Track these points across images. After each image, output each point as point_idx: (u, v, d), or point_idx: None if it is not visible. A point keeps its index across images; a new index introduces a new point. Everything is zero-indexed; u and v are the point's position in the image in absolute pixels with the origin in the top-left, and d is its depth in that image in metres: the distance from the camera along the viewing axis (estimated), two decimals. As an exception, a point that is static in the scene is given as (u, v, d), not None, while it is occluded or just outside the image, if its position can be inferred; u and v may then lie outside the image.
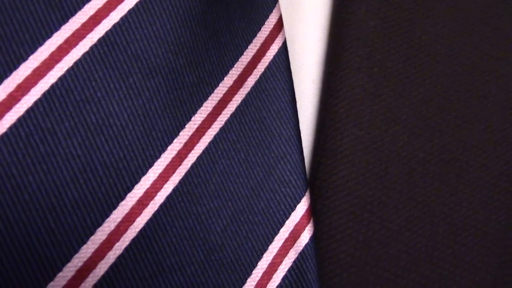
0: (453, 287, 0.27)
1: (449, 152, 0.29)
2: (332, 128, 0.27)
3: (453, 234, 0.28)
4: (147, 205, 0.23)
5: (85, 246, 0.22)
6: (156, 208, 0.23)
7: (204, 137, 0.24)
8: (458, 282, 0.27)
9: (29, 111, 0.21)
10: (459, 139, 0.29)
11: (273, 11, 0.27)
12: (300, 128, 0.28)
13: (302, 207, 0.25)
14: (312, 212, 0.26)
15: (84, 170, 0.22)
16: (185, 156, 0.24)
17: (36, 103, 0.21)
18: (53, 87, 0.22)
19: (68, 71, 0.22)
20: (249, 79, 0.26)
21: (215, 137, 0.25)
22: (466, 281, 0.27)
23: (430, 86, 0.29)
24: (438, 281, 0.27)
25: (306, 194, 0.26)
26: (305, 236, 0.25)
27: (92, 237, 0.22)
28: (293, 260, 0.25)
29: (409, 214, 0.27)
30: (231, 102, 0.25)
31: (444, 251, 0.27)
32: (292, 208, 0.25)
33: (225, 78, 0.25)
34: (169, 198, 0.23)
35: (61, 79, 0.22)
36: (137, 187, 0.23)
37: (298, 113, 0.28)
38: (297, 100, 0.28)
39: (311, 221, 0.26)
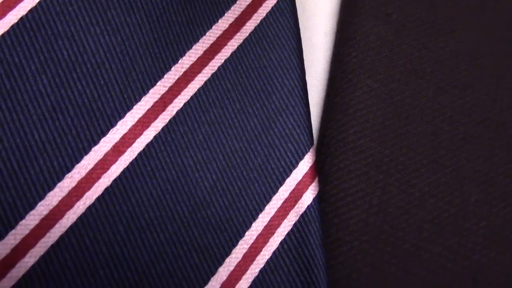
0: (487, 264, 0.23)
1: (482, 111, 0.25)
2: (344, 80, 0.24)
3: (487, 204, 0.24)
4: (123, 152, 0.20)
5: (51, 193, 0.19)
6: (134, 156, 0.20)
7: (193, 82, 0.22)
8: (493, 259, 0.23)
9: None
10: (493, 98, 0.25)
11: None
12: (311, 84, 0.25)
13: (306, 164, 0.22)
14: (319, 172, 0.23)
15: (53, 110, 0.20)
16: (170, 101, 0.21)
17: (3, 36, 0.20)
18: (22, 20, 0.20)
19: (39, 3, 0.20)
20: (247, 24, 0.23)
21: (205, 83, 0.22)
22: (502, 258, 0.23)
23: (460, 38, 0.26)
24: (469, 256, 0.23)
25: (311, 150, 0.23)
26: (308, 197, 0.22)
27: (59, 184, 0.19)
28: (293, 223, 0.22)
29: (434, 179, 0.24)
30: (225, 47, 0.23)
31: (477, 223, 0.24)
32: (294, 166, 0.22)
33: (219, 21, 0.23)
34: (149, 146, 0.21)
35: (32, 11, 0.20)
36: (112, 131, 0.20)
37: (309, 67, 0.25)
38: (308, 53, 0.25)
39: (316, 180, 0.22)
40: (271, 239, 0.21)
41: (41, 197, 0.19)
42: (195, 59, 0.22)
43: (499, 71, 0.25)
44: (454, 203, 0.24)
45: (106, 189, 0.20)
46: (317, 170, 0.23)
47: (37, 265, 0.19)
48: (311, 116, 0.24)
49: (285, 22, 0.24)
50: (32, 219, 0.19)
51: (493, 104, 0.25)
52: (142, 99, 0.21)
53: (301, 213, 0.22)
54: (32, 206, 0.19)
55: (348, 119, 0.23)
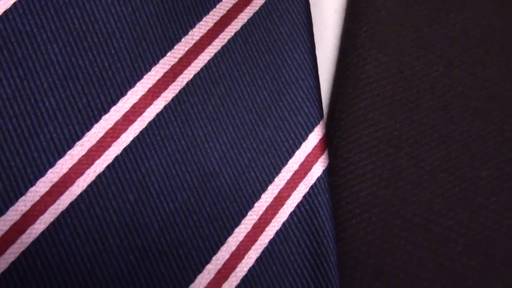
0: (498, 239, 0.23)
1: (493, 87, 0.25)
2: (354, 55, 0.24)
3: (498, 179, 0.24)
4: (133, 121, 0.20)
5: (61, 160, 0.19)
6: (144, 126, 0.21)
7: (203, 54, 0.22)
8: (505, 234, 0.23)
9: (7, 13, 0.20)
10: (504, 73, 0.25)
11: None
12: (321, 61, 0.25)
13: (315, 137, 0.22)
14: (328, 146, 0.23)
15: (64, 78, 0.20)
16: (180, 72, 0.21)
17: (15, 5, 0.20)
18: None
19: None
20: (258, -3, 0.23)
21: (215, 55, 0.22)
22: (514, 233, 0.23)
23: (471, 14, 0.25)
24: (480, 231, 0.23)
25: (321, 123, 0.23)
26: (318, 169, 0.22)
27: (70, 151, 0.20)
28: (303, 194, 0.22)
29: (445, 153, 0.23)
30: (235, 20, 0.23)
31: (488, 198, 0.23)
32: (304, 138, 0.22)
33: (229, -6, 0.23)
34: (159, 116, 0.21)
35: None
36: (123, 100, 0.20)
37: (319, 44, 0.25)
38: (318, 30, 0.25)
39: (326, 153, 0.22)
40: (280, 210, 0.21)
41: (52, 164, 0.19)
42: (205, 31, 0.22)
43: (510, 46, 0.25)
44: (465, 178, 0.23)
45: (116, 158, 0.20)
46: (327, 143, 0.23)
47: (47, 231, 0.19)
48: (321, 92, 0.24)
49: None
50: (42, 186, 0.19)
51: (504, 79, 0.25)
52: (152, 69, 0.21)
53: (310, 185, 0.22)
54: (42, 173, 0.19)
55: (358, 93, 0.23)
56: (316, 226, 0.21)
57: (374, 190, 0.22)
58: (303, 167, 0.22)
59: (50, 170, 0.19)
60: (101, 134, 0.20)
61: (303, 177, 0.22)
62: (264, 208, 0.21)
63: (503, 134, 0.24)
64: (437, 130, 0.24)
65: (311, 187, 0.22)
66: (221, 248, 0.20)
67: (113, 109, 0.20)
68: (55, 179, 0.19)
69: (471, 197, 0.23)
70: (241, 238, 0.21)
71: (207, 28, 0.22)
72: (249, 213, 0.21)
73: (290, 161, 0.22)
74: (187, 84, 0.21)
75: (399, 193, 0.23)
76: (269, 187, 0.21)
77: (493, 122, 0.24)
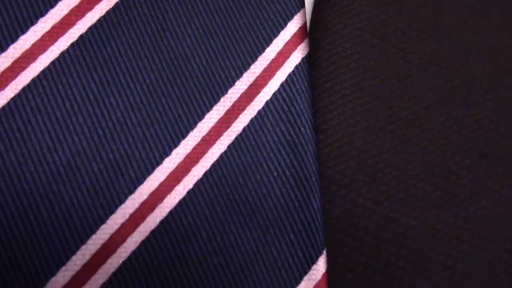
0: (495, 139, 0.21)
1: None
2: None
3: (495, 76, 0.22)
4: (100, 0, 0.20)
5: (24, 36, 0.19)
6: (111, 6, 0.20)
7: None
8: (502, 133, 0.22)
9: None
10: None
11: None
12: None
13: (295, 25, 0.21)
14: (311, 39, 0.22)
15: None
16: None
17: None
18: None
19: None
20: None
21: None
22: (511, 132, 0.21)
23: None
24: (475, 129, 0.21)
25: (300, 12, 0.21)
26: (296, 57, 0.21)
27: (32, 27, 0.19)
28: (280, 82, 0.21)
29: (436, 47, 0.22)
30: None
31: (483, 95, 0.22)
32: (282, 26, 0.21)
33: None
34: None
35: None
36: None
37: None
38: None
39: (305, 41, 0.21)
40: (256, 98, 0.20)
41: (14, 40, 0.19)
42: None
43: None
44: (458, 74, 0.22)
45: (81, 36, 0.19)
46: (307, 32, 0.21)
47: (8, 107, 0.18)
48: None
49: None
50: (3, 61, 0.18)
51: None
52: None
53: (288, 73, 0.21)
54: (4, 48, 0.19)
55: (342, -16, 0.22)
56: (294, 114, 0.20)
57: (359, 81, 0.21)
58: (281, 55, 0.21)
59: (12, 46, 0.19)
60: (65, 12, 0.19)
61: (281, 65, 0.21)
62: (238, 95, 0.20)
63: (501, 31, 0.23)
64: (428, 23, 0.22)
65: (289, 75, 0.21)
66: (190, 133, 0.19)
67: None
68: (17, 55, 0.19)
69: (466, 94, 0.22)
70: (212, 124, 0.20)
71: None
72: (222, 99, 0.20)
73: (268, 49, 0.21)
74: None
75: (386, 85, 0.21)
76: (244, 74, 0.20)
77: (489, 18, 0.23)
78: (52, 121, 0.18)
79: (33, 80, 0.19)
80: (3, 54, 0.18)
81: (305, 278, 0.19)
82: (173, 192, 0.19)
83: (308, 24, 0.22)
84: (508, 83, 0.22)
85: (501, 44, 0.23)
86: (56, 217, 0.17)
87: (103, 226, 0.18)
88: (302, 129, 0.20)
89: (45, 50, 0.19)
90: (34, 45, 0.19)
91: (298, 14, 0.21)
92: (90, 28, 0.19)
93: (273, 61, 0.21)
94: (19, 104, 0.18)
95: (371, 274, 0.20)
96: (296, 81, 0.20)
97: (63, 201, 0.17)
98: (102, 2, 0.20)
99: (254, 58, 0.21)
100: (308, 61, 0.21)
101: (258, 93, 0.20)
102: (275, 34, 0.21)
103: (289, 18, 0.21)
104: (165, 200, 0.18)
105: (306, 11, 0.22)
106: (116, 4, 0.20)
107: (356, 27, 0.22)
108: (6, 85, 0.18)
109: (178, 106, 0.19)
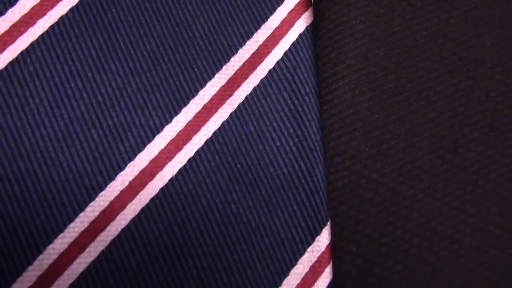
0: (504, 111, 0.21)
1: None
2: None
3: (504, 49, 0.22)
4: None
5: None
6: None
7: None
8: (511, 106, 0.21)
9: None
10: None
11: None
12: None
13: (299, -6, 0.21)
14: (316, 10, 0.21)
15: None
16: None
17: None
18: None
19: None
20: None
21: None
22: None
23: None
24: (484, 102, 0.21)
25: (305, -20, 0.21)
26: (301, 25, 0.20)
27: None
28: (284, 51, 0.20)
29: (444, 19, 0.22)
30: None
31: (492, 67, 0.21)
32: (286, -5, 0.21)
33: None
34: None
35: None
36: None
37: None
38: None
39: (310, 10, 0.21)
40: (259, 67, 0.20)
41: (13, 4, 0.18)
42: None
43: None
44: (467, 46, 0.21)
45: (81, 1, 0.19)
46: (313, 4, 0.21)
47: (5, 71, 0.18)
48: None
49: None
50: (1, 25, 0.18)
51: None
52: None
53: (292, 41, 0.20)
54: (2, 12, 0.18)
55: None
56: (297, 83, 0.20)
57: (364, 51, 0.21)
58: (285, 24, 0.20)
59: (10, 9, 0.18)
60: None
61: (285, 34, 0.20)
62: (241, 64, 0.20)
63: (510, 2, 0.22)
64: (436, -6, 0.22)
65: (293, 44, 0.20)
66: (191, 100, 0.19)
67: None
68: (16, 19, 0.18)
69: (474, 66, 0.21)
70: (213, 92, 0.19)
71: None
72: (224, 67, 0.19)
73: (271, 18, 0.20)
74: None
75: (392, 56, 0.21)
76: (247, 43, 0.20)
77: (498, -11, 0.22)
78: (50, 86, 0.18)
79: (31, 44, 0.18)
80: (1, 18, 0.18)
81: (309, 249, 0.18)
82: (173, 160, 0.18)
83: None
84: (518, 56, 0.22)
85: (510, 15, 0.22)
86: (54, 183, 0.17)
87: (102, 193, 0.17)
88: (306, 98, 0.19)
89: (44, 14, 0.18)
90: (33, 9, 0.18)
91: (303, -18, 0.21)
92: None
93: (276, 29, 0.20)
94: (17, 69, 0.18)
95: (376, 247, 0.19)
96: (300, 49, 0.20)
97: (61, 167, 0.17)
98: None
99: (257, 27, 0.20)
100: (312, 30, 0.20)
101: (261, 62, 0.20)
102: (279, 3, 0.20)
103: (293, -14, 0.21)
104: (165, 168, 0.18)
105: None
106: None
107: (362, -3, 0.21)
108: (4, 49, 0.18)
109: (179, 73, 0.19)
